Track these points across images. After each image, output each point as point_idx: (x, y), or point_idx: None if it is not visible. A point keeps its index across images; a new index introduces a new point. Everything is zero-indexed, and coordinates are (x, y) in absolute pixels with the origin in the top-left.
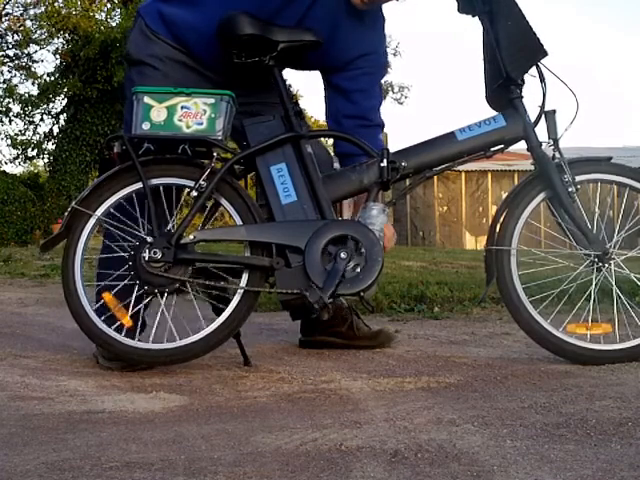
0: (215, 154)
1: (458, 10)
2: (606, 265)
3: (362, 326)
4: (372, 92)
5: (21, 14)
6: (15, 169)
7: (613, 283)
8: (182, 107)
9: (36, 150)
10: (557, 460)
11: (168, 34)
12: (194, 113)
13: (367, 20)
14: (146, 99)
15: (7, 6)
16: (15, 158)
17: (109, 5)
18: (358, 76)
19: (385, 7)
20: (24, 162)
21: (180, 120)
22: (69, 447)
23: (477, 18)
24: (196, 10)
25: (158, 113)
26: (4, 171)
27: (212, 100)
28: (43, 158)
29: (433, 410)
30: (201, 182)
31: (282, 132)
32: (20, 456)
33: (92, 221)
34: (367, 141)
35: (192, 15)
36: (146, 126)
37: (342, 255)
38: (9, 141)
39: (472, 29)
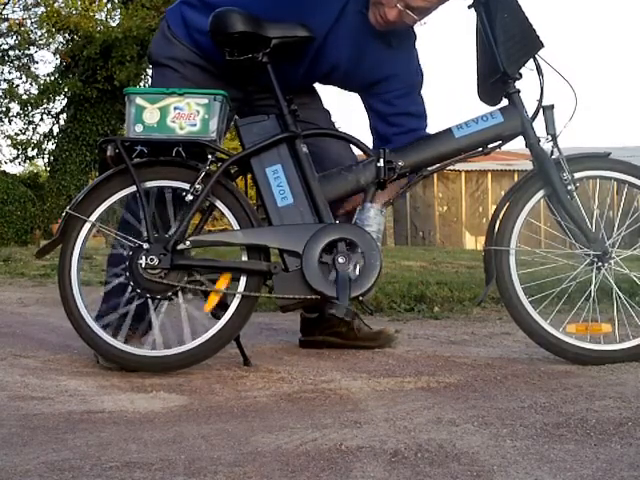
0: (210, 156)
1: None
2: (606, 265)
3: (363, 327)
4: (413, 112)
5: (21, 16)
6: (15, 169)
7: (613, 283)
8: (175, 108)
9: (36, 150)
10: (557, 460)
11: (188, 38)
12: (187, 114)
13: (393, 40)
14: (138, 100)
15: (7, 7)
16: (15, 158)
17: (109, 5)
18: (393, 99)
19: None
20: (24, 162)
21: (173, 122)
22: (69, 447)
23: (472, 10)
24: None
25: (151, 115)
26: (4, 171)
27: (205, 100)
28: (43, 158)
29: (433, 410)
30: (196, 185)
31: (277, 132)
32: (20, 456)
33: (87, 226)
34: None
35: None
36: (139, 128)
37: (340, 260)
38: (9, 141)
39: (469, 25)
